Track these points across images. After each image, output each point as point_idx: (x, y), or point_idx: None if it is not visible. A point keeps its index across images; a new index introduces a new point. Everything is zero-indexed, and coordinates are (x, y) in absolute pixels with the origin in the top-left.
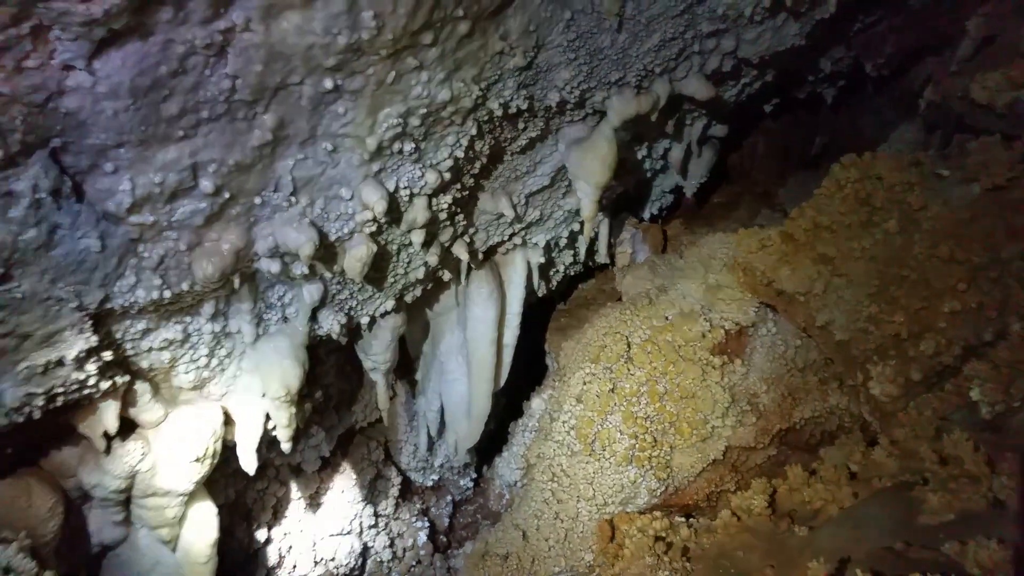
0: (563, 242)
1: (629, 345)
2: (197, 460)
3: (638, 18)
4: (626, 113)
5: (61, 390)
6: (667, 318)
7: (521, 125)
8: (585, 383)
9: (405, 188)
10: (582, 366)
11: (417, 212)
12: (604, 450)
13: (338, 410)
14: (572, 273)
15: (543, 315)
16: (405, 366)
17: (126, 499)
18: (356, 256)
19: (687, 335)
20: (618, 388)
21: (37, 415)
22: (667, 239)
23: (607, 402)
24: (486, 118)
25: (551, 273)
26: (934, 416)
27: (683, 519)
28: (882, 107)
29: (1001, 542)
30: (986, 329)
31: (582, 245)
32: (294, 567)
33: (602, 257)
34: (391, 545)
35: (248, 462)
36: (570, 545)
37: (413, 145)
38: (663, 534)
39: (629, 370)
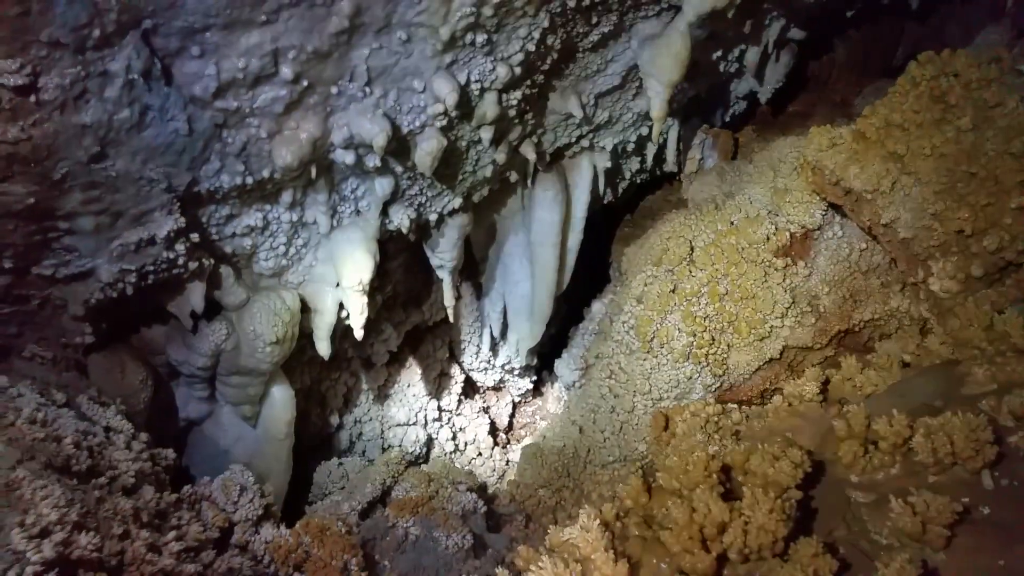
0: (631, 147)
1: (692, 248)
2: (276, 342)
3: None
4: (703, 8)
5: (152, 268)
6: (732, 222)
7: (594, 19)
8: (646, 284)
9: (476, 82)
10: (644, 268)
11: (487, 107)
12: (662, 347)
13: (406, 307)
14: (639, 180)
15: (610, 225)
16: (471, 267)
17: (211, 377)
18: (427, 150)
19: (751, 237)
20: (679, 288)
21: (130, 291)
22: (738, 146)
23: (667, 302)
24: (559, 10)
25: (617, 180)
26: (991, 308)
27: (735, 406)
28: (969, 16)
29: None
30: None
31: (650, 150)
32: (363, 452)
33: (671, 164)
34: (454, 438)
35: (323, 348)
36: (625, 436)
37: (485, 36)
38: (715, 418)
39: (691, 271)
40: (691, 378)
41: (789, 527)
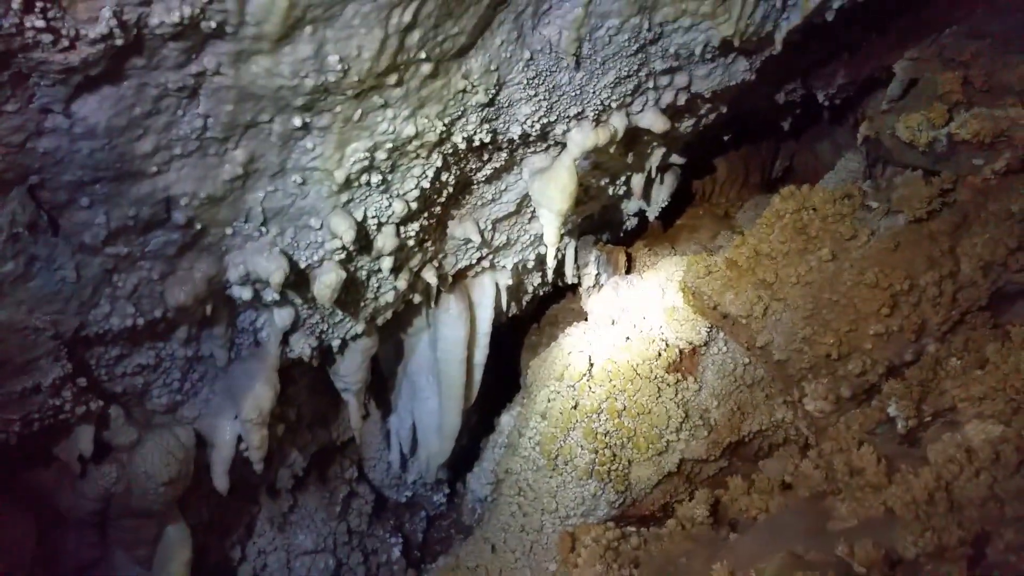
0: (531, 264)
1: (591, 363)
2: (169, 482)
3: (594, 57)
4: (585, 145)
5: (37, 416)
6: (627, 338)
7: (486, 156)
8: (549, 400)
9: (373, 217)
10: (547, 384)
11: (385, 240)
12: (566, 464)
13: (311, 429)
14: (542, 293)
15: (518, 333)
16: (378, 385)
17: (102, 521)
18: (326, 283)
19: (644, 354)
20: (580, 405)
21: (13, 441)
22: (632, 260)
23: (569, 418)
24: (451, 151)
25: (521, 294)
26: (860, 430)
27: (634, 529)
28: (837, 134)
29: (875, 543)
30: (906, 350)
31: (549, 268)
32: None
33: (570, 278)
34: (365, 561)
35: (221, 483)
36: (535, 556)
37: (380, 177)
38: (615, 543)
39: (590, 387)
40: (595, 495)
41: None
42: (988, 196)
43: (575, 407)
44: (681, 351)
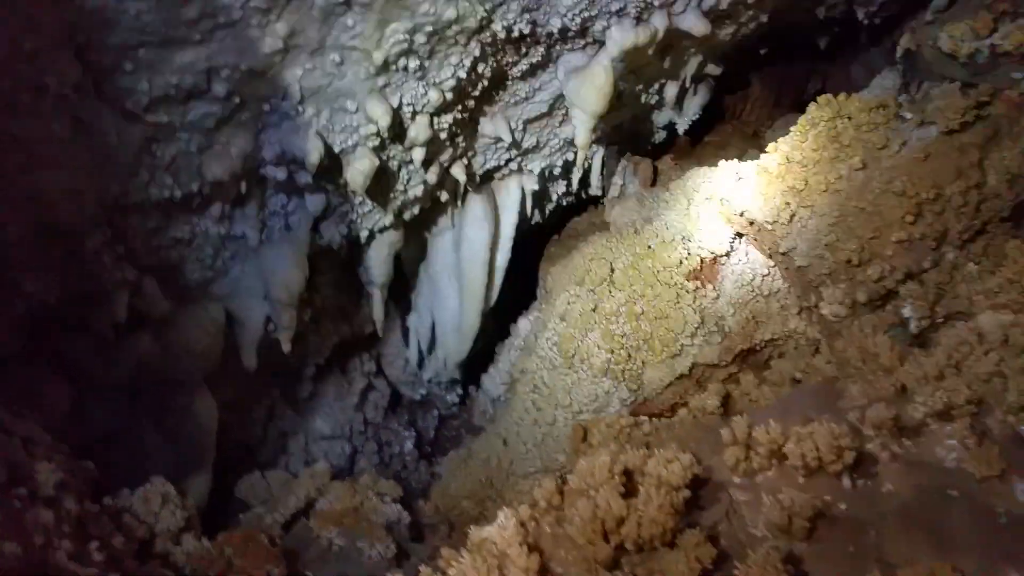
0: (558, 171)
1: (612, 269)
2: (201, 354)
3: None
4: (625, 44)
5: (76, 280)
6: (649, 246)
7: (523, 50)
8: (569, 303)
9: (409, 105)
10: (567, 288)
11: (419, 129)
12: (583, 363)
13: (334, 321)
14: (565, 203)
15: (538, 245)
16: (400, 283)
17: (132, 390)
18: (359, 169)
19: (666, 261)
20: (599, 307)
21: (52, 302)
22: (658, 173)
23: (588, 320)
24: (489, 40)
25: (545, 202)
26: (872, 332)
27: (646, 418)
28: (873, 57)
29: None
30: (925, 257)
31: (576, 175)
32: (287, 465)
33: (595, 188)
34: (379, 451)
35: (249, 360)
36: (546, 448)
37: (418, 62)
38: (627, 430)
39: (611, 292)
40: (608, 392)
41: (677, 520)
42: (1023, 111)
43: (594, 310)
44: (702, 260)
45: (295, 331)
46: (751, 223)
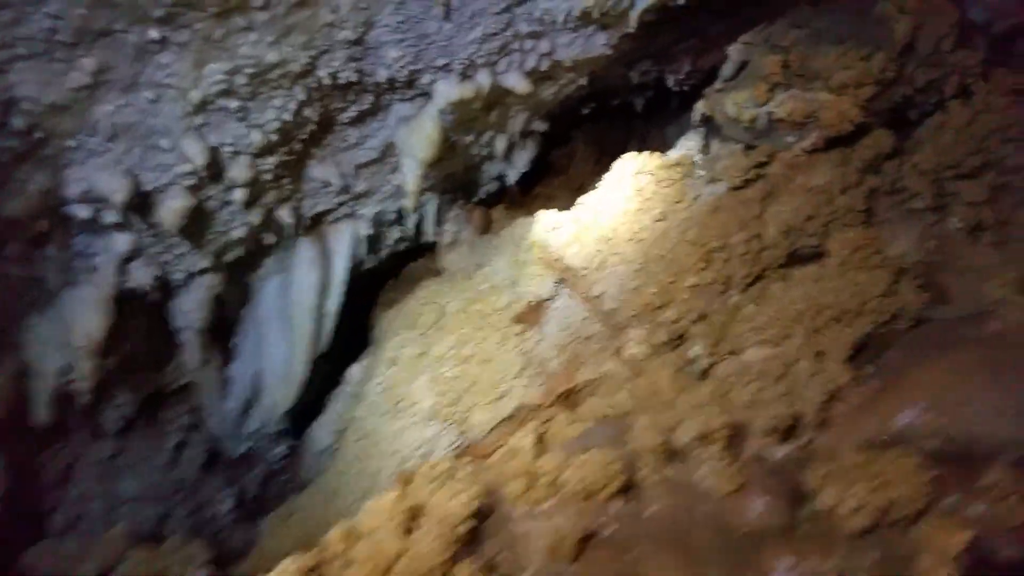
0: (391, 216)
1: (443, 313)
2: None
3: (463, 10)
4: (451, 97)
5: None
6: (480, 290)
7: (351, 97)
8: (400, 347)
9: (229, 144)
10: (399, 332)
11: (239, 170)
12: (410, 408)
13: (145, 370)
14: (402, 248)
15: (375, 291)
16: (222, 330)
17: None
18: (172, 208)
19: (494, 305)
20: (429, 351)
21: None
22: (490, 221)
23: (418, 364)
24: (315, 85)
25: (380, 247)
26: (671, 369)
27: (468, 460)
28: (684, 119)
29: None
30: (714, 300)
31: (410, 221)
32: (90, 531)
33: (429, 235)
34: (195, 513)
35: (39, 414)
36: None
37: (239, 103)
38: (447, 472)
39: (440, 336)
40: (436, 438)
41: (454, 552)
42: (796, 170)
43: (424, 354)
44: (528, 304)
45: (97, 382)
46: (567, 268)
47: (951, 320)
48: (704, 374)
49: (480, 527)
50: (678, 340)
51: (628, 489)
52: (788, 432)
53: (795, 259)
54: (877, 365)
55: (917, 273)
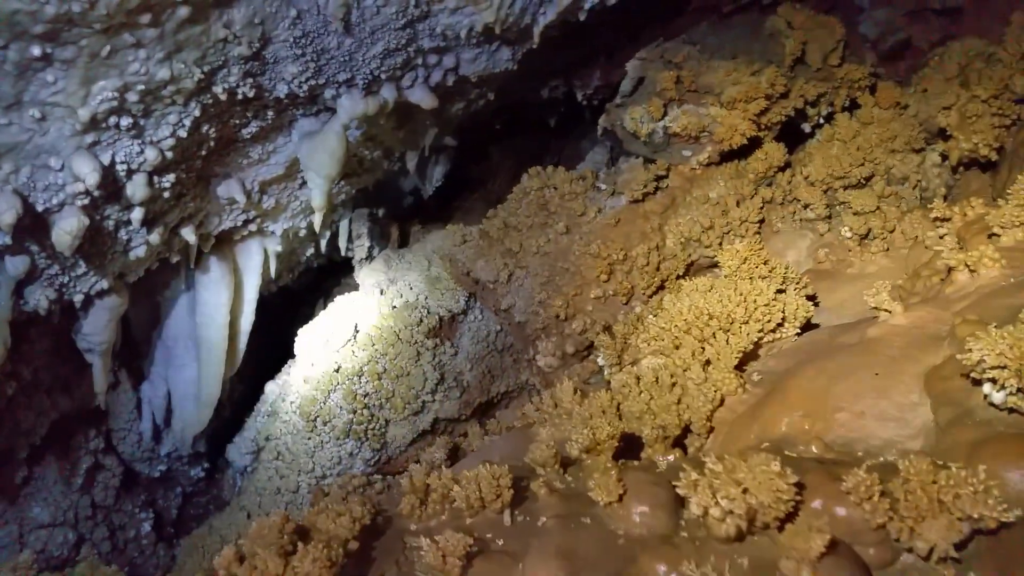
0: (303, 233)
1: (357, 330)
2: None
3: (363, 25)
4: (355, 112)
5: None
6: (393, 306)
7: (251, 113)
8: (312, 364)
9: (123, 163)
10: (312, 350)
11: (136, 188)
12: (325, 425)
13: (51, 394)
14: (315, 265)
15: (295, 307)
16: (129, 351)
17: None
18: (66, 229)
19: (407, 320)
20: (343, 368)
21: None
22: (406, 236)
23: (331, 381)
24: (211, 101)
25: (294, 264)
26: (579, 380)
27: (380, 477)
28: (593, 134)
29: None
30: (619, 311)
31: (323, 237)
32: None
33: (343, 251)
34: (111, 536)
35: None
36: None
37: (131, 120)
38: (360, 488)
39: (354, 352)
40: (352, 454)
41: (335, 573)
42: (693, 183)
43: (337, 370)
44: (441, 318)
45: None
46: (476, 282)
47: (836, 327)
48: (607, 384)
49: (372, 545)
50: (586, 351)
51: (521, 502)
52: (677, 441)
53: (694, 269)
54: (761, 372)
55: (805, 282)
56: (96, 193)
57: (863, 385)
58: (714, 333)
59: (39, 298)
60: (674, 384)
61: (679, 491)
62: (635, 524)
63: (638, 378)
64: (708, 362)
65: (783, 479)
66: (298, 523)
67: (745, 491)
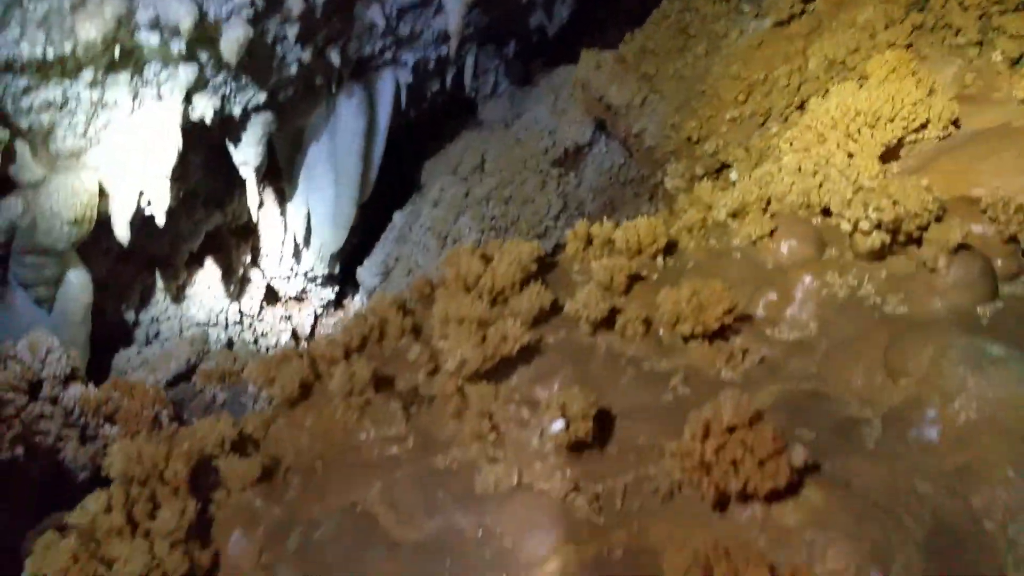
0: (432, 66)
1: (484, 159)
2: (75, 222)
3: None
4: None
5: None
6: (519, 138)
7: None
8: (442, 189)
9: None
10: (440, 177)
11: (294, 3)
12: (454, 244)
13: (207, 207)
14: (440, 101)
15: (416, 148)
16: (275, 173)
17: (4, 257)
18: (233, 38)
19: (533, 150)
20: (471, 193)
21: None
22: (530, 73)
23: (460, 204)
24: None
25: (420, 100)
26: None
27: None
28: None
29: None
30: (754, 133)
31: (450, 72)
32: (161, 347)
33: (468, 88)
34: (255, 342)
35: (122, 234)
36: None
37: None
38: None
39: (481, 178)
40: None
41: (523, 278)
42: (840, 6)
43: (466, 194)
44: (566, 149)
45: (169, 207)
46: (608, 108)
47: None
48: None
49: (544, 276)
50: (715, 175)
51: (671, 250)
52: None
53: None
54: (901, 168)
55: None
56: (260, 5)
57: (1005, 165)
58: (859, 129)
59: (206, 106)
60: (815, 173)
61: (833, 208)
62: (783, 256)
63: (780, 168)
64: (851, 155)
65: (931, 193)
66: (482, 252)
67: (895, 203)
